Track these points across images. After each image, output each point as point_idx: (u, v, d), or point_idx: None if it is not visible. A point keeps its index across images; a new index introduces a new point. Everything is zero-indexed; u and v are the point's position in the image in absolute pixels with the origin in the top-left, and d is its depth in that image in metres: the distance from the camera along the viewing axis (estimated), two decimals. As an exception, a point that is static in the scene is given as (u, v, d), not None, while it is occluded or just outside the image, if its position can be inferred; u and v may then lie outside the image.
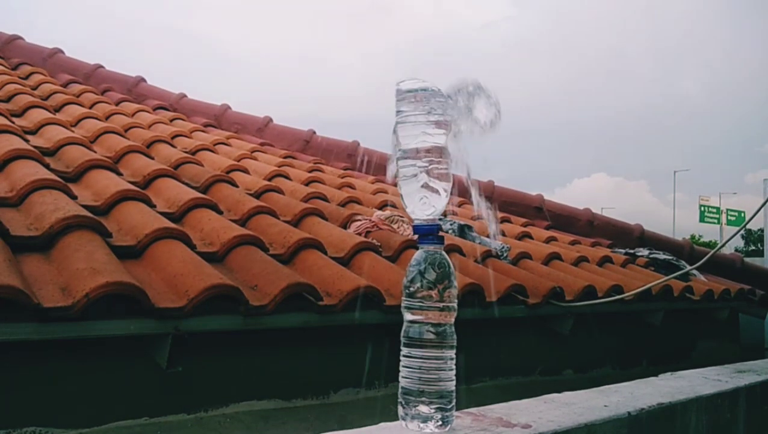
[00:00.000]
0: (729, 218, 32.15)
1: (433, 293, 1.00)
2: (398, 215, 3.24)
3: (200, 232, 2.43)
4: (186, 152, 3.80)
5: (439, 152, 1.03)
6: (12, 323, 1.56)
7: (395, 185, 1.07)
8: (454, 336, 1.02)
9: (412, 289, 1.01)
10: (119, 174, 2.89)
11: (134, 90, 5.72)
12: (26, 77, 5.06)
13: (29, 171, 2.46)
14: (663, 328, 3.58)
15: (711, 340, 4.11)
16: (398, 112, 1.04)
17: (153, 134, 4.06)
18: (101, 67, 5.83)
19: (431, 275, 1.01)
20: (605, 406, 1.26)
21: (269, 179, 3.74)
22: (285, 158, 4.87)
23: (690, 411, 1.42)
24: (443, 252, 1.04)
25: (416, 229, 1.04)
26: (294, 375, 2.20)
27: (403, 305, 1.02)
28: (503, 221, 4.55)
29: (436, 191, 1.03)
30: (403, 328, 1.02)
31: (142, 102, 5.42)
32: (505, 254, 3.31)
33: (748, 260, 5.46)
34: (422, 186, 1.03)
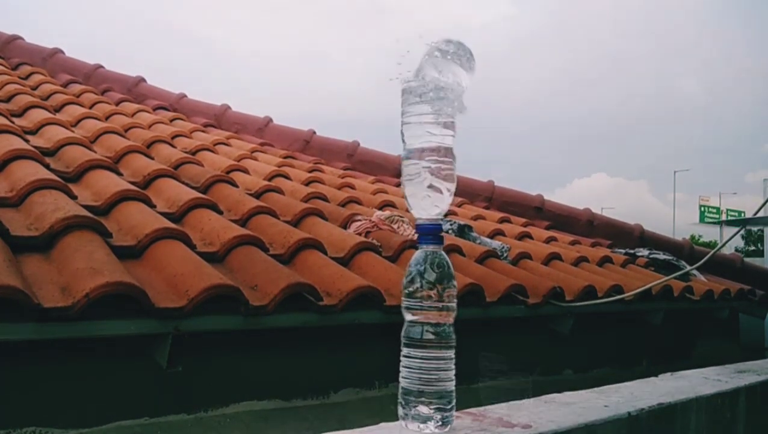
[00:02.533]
0: (729, 218, 32.15)
1: (433, 293, 1.00)
2: (398, 215, 3.24)
3: (200, 232, 2.43)
4: (186, 152, 3.80)
5: (445, 151, 1.03)
6: (12, 323, 1.56)
7: (398, 185, 1.08)
8: (454, 336, 1.02)
9: (411, 289, 1.01)
10: (119, 174, 2.89)
11: (134, 90, 5.72)
12: (26, 77, 5.06)
13: (29, 171, 2.46)
14: (663, 328, 3.58)
15: (711, 340, 4.11)
16: (403, 112, 1.04)
17: (153, 134, 4.06)
18: (101, 67, 5.83)
19: (431, 276, 1.01)
20: (605, 406, 1.26)
21: (269, 179, 3.74)
22: (285, 158, 4.87)
23: (690, 411, 1.42)
24: (443, 252, 1.04)
25: (419, 228, 1.04)
26: (294, 375, 2.20)
27: (403, 305, 1.02)
28: (503, 221, 4.55)
29: (440, 191, 1.03)
30: (404, 328, 1.02)
31: (142, 102, 5.42)
32: (505, 254, 3.31)
33: (748, 260, 5.46)
34: (426, 186, 1.03)
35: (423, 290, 1.00)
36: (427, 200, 1.03)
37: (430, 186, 1.03)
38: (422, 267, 1.01)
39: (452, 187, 1.04)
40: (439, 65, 1.03)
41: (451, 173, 1.04)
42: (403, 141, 1.05)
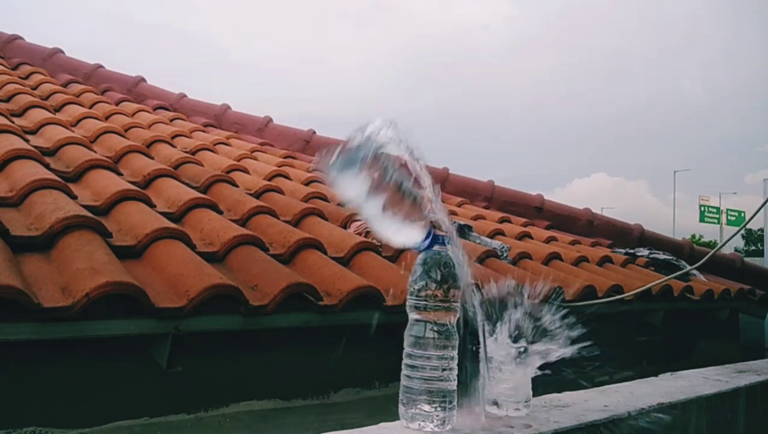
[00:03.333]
0: (729, 218, 32.18)
1: (438, 292, 1.00)
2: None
3: (200, 232, 2.43)
4: (186, 152, 3.80)
5: (386, 179, 0.96)
6: (12, 323, 1.56)
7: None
8: (457, 336, 1.02)
9: (417, 288, 1.01)
10: (119, 174, 2.89)
11: (134, 90, 5.71)
12: (26, 77, 5.06)
13: (29, 171, 2.46)
14: (663, 328, 3.58)
15: (711, 340, 4.11)
16: (330, 173, 0.97)
17: (153, 133, 4.06)
18: (101, 67, 5.83)
19: (437, 275, 1.01)
20: (605, 406, 1.26)
21: (269, 179, 3.74)
22: (285, 158, 4.87)
23: (690, 411, 1.42)
24: (449, 252, 1.04)
25: (421, 248, 1.03)
26: (294, 375, 2.20)
27: (408, 303, 1.02)
28: (503, 221, 4.55)
29: (412, 202, 0.99)
30: (407, 327, 1.03)
31: (142, 102, 5.42)
32: (505, 254, 3.30)
33: (748, 260, 5.46)
34: (389, 216, 0.99)
35: (428, 289, 1.01)
36: (399, 228, 1.00)
37: (391, 214, 0.98)
38: (428, 266, 1.02)
39: (415, 198, 0.98)
40: None
41: (398, 192, 0.97)
42: (342, 194, 0.98)
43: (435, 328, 1.00)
